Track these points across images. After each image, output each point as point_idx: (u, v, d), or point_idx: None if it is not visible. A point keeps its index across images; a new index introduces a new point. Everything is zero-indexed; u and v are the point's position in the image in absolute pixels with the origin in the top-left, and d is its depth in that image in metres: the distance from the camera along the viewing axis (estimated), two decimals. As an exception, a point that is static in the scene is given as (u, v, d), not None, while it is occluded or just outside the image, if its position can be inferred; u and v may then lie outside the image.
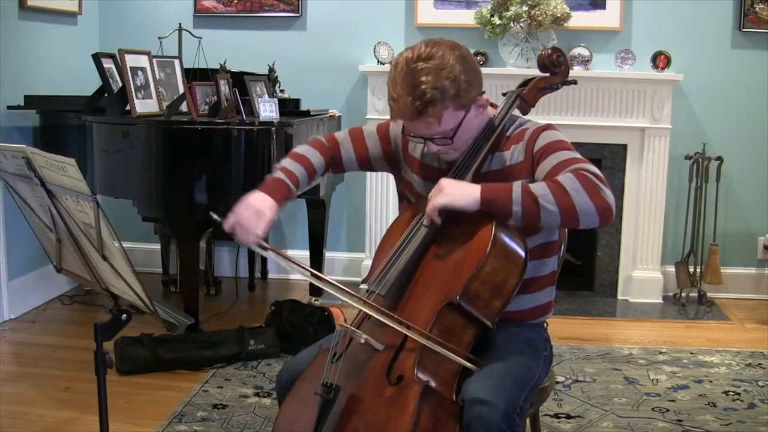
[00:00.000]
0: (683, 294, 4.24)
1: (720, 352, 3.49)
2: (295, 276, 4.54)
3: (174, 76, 3.73)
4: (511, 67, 4.17)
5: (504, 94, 1.96)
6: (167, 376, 3.13)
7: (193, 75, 3.86)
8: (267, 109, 3.45)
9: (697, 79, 4.20)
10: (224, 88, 3.60)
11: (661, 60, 4.13)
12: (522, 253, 1.70)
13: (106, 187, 3.40)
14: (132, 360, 3.14)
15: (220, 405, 2.86)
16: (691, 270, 4.23)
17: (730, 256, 4.34)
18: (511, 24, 4.07)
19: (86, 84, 3.97)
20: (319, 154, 1.99)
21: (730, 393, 3.03)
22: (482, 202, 1.66)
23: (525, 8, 4.04)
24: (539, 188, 1.64)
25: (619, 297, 4.33)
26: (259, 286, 4.52)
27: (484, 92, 1.81)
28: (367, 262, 4.22)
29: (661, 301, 4.27)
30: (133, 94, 3.39)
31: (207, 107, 3.67)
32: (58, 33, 4.15)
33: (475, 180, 1.80)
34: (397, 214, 1.99)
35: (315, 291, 4.05)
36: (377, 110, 4.25)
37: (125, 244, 1.70)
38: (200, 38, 4.02)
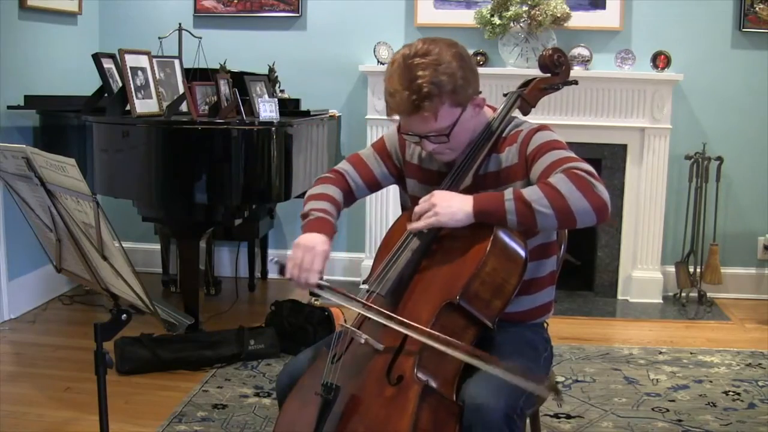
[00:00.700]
0: (683, 294, 4.24)
1: (720, 352, 3.49)
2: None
3: (174, 76, 3.72)
4: (511, 67, 4.17)
5: (505, 95, 1.96)
6: (167, 376, 3.13)
7: (193, 75, 3.86)
8: (267, 109, 3.45)
9: (697, 79, 4.20)
10: (224, 88, 3.60)
11: (661, 60, 4.13)
12: (522, 253, 1.70)
13: (106, 187, 3.40)
14: (132, 360, 3.14)
15: (220, 405, 2.86)
16: (691, 270, 4.22)
17: (730, 256, 4.34)
18: (511, 24, 4.07)
19: (86, 84, 3.97)
20: (334, 186, 1.97)
21: (730, 393, 3.03)
22: (475, 215, 1.66)
23: (525, 8, 4.04)
24: (532, 193, 1.64)
25: (619, 297, 4.33)
26: (259, 286, 4.51)
27: (480, 92, 1.81)
28: (367, 262, 4.22)
29: (661, 301, 4.27)
30: (133, 94, 3.39)
31: (207, 107, 3.67)
32: (58, 33, 4.15)
33: (474, 181, 1.80)
34: (398, 215, 1.99)
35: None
36: (377, 110, 4.25)
37: (125, 244, 1.69)
38: (200, 38, 4.01)
